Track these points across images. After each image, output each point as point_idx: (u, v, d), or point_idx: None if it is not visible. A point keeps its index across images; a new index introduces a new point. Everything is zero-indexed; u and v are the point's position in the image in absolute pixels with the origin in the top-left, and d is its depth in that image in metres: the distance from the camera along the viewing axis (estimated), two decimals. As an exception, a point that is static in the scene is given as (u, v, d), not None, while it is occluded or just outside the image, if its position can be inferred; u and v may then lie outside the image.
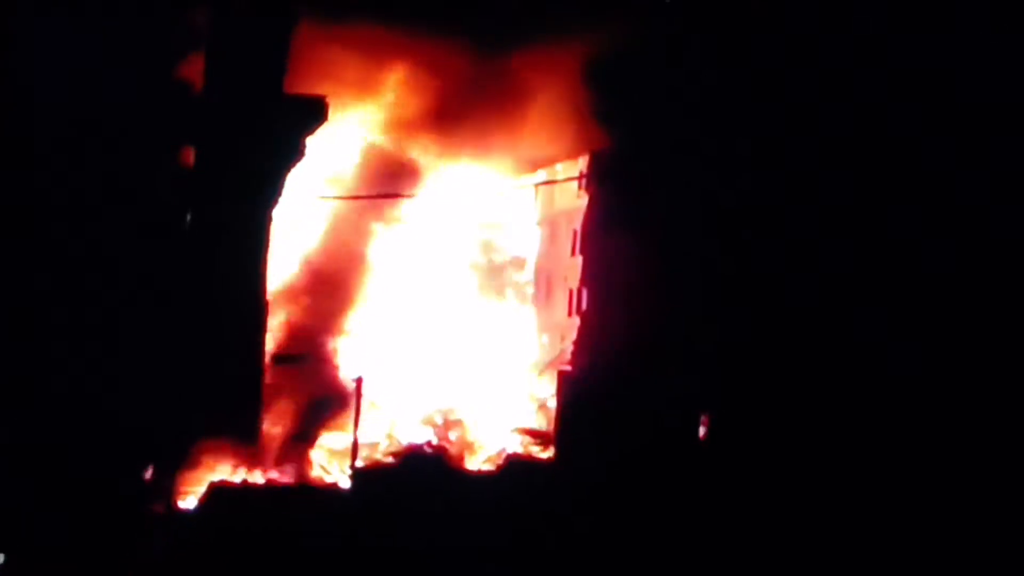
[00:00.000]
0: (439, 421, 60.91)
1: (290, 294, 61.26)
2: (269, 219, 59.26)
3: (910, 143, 55.63)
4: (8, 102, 55.88)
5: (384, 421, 60.04)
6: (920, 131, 55.46)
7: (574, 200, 62.10)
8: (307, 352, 59.58)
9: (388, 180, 61.37)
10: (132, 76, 56.49)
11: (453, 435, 60.50)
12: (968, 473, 54.04)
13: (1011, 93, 55.46)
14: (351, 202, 61.62)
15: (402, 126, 61.49)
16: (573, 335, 59.84)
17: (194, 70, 58.30)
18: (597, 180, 59.80)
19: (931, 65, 55.38)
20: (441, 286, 63.57)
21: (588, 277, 59.75)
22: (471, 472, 58.39)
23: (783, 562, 53.73)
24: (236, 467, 57.02)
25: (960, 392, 54.61)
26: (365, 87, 61.13)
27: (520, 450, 59.43)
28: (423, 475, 56.48)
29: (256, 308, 58.62)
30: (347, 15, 57.99)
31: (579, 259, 60.66)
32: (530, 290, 64.66)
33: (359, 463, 55.72)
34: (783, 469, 55.20)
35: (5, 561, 52.94)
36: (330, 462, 58.59)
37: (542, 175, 64.08)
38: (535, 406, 61.87)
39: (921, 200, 55.29)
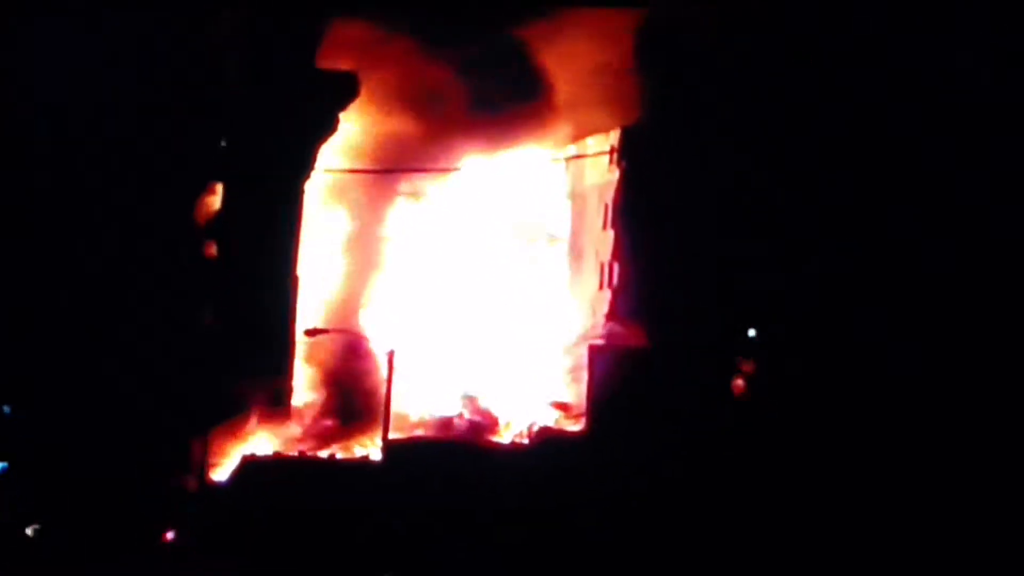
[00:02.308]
0: (471, 394, 60.78)
1: (323, 268, 61.30)
2: (302, 192, 59.56)
3: (910, 143, 55.84)
4: (49, 83, 56.47)
5: (416, 394, 59.95)
6: (920, 131, 55.75)
7: (605, 174, 61.90)
8: (338, 326, 59.56)
9: (420, 154, 61.31)
10: (167, 54, 56.94)
11: (484, 408, 60.40)
12: (969, 470, 54.39)
13: (1011, 93, 55.69)
14: (382, 177, 61.60)
15: (434, 100, 61.44)
16: (604, 308, 59.67)
17: (229, 48, 58.67)
18: (629, 154, 59.70)
19: (931, 65, 55.76)
20: (472, 260, 63.47)
21: (619, 250, 59.72)
22: (503, 445, 58.44)
23: (811, 538, 53.95)
24: (267, 439, 57.19)
25: (959, 389, 54.89)
26: (397, 60, 61.13)
27: (552, 423, 59.35)
28: (454, 448, 56.63)
29: (287, 281, 58.89)
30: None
31: (610, 233, 60.56)
32: (561, 263, 64.44)
33: (391, 435, 55.64)
34: (815, 443, 55.37)
35: (39, 530, 53.41)
36: (362, 435, 58.60)
37: (572, 149, 63.90)
38: (567, 379, 61.75)
39: (921, 200, 55.65)
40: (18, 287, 55.77)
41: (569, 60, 59.22)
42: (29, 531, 53.57)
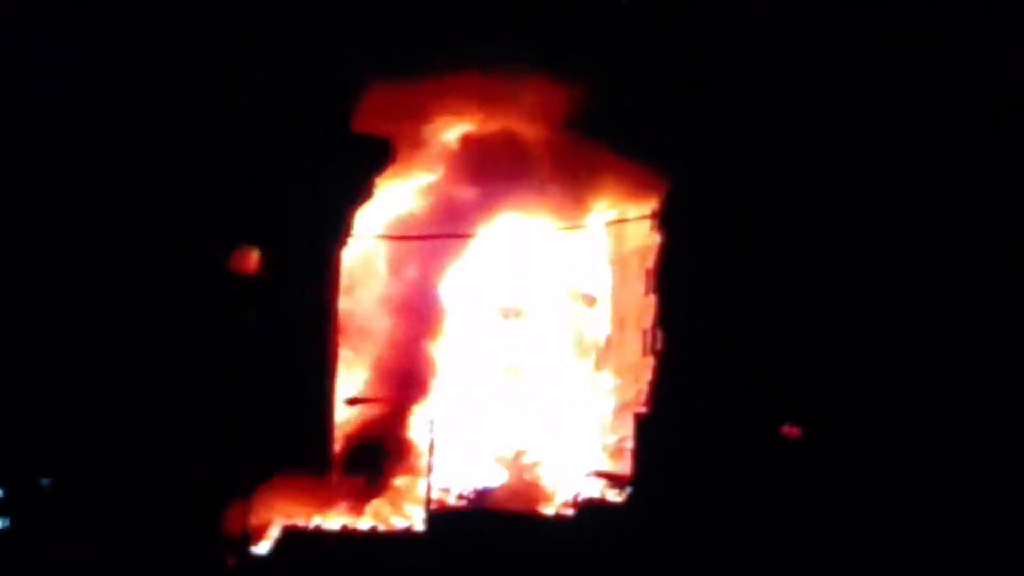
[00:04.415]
0: (514, 464, 59.95)
1: (362, 335, 60.60)
2: (338, 259, 58.97)
3: (910, 143, 55.51)
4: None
5: (458, 464, 59.12)
6: (920, 131, 55.48)
7: (646, 239, 61.30)
8: (379, 395, 58.80)
9: (459, 222, 60.75)
10: (200, 121, 56.64)
11: (528, 478, 59.55)
12: (969, 470, 54.11)
13: (1011, 93, 55.46)
14: (421, 244, 61.00)
15: (473, 170, 61.05)
16: (648, 375, 58.92)
17: (262, 112, 58.35)
18: (671, 219, 59.15)
19: (931, 65, 55.49)
20: (514, 328, 62.78)
21: (662, 316, 59.03)
22: (547, 516, 57.55)
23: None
24: (308, 510, 56.30)
25: (959, 389, 54.58)
26: (435, 130, 60.79)
27: (596, 494, 58.51)
28: (498, 518, 55.76)
29: (326, 348, 58.18)
30: (416, 69, 57.94)
31: (652, 298, 59.87)
32: (604, 330, 63.75)
33: (434, 506, 54.79)
34: (862, 510, 54.69)
35: None
36: (404, 506, 57.72)
37: (613, 214, 63.33)
38: (610, 449, 60.96)
39: (921, 200, 55.33)
40: (53, 347, 55.32)
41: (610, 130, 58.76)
42: None
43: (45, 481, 54.86)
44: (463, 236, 61.00)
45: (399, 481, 58.66)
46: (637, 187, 59.96)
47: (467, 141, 61.46)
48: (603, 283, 64.35)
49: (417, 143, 60.58)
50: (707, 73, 56.83)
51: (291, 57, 58.13)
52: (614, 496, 58.24)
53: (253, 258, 58.31)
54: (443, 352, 60.67)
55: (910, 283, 55.61)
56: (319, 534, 55.39)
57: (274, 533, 55.23)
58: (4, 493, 55.00)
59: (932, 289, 55.32)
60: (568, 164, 60.20)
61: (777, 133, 56.47)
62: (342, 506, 57.66)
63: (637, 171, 58.95)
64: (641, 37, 57.73)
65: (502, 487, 58.93)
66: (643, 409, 58.15)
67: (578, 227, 62.79)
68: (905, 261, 55.69)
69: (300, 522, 55.72)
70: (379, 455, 58.95)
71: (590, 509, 57.05)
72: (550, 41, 57.48)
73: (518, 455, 60.15)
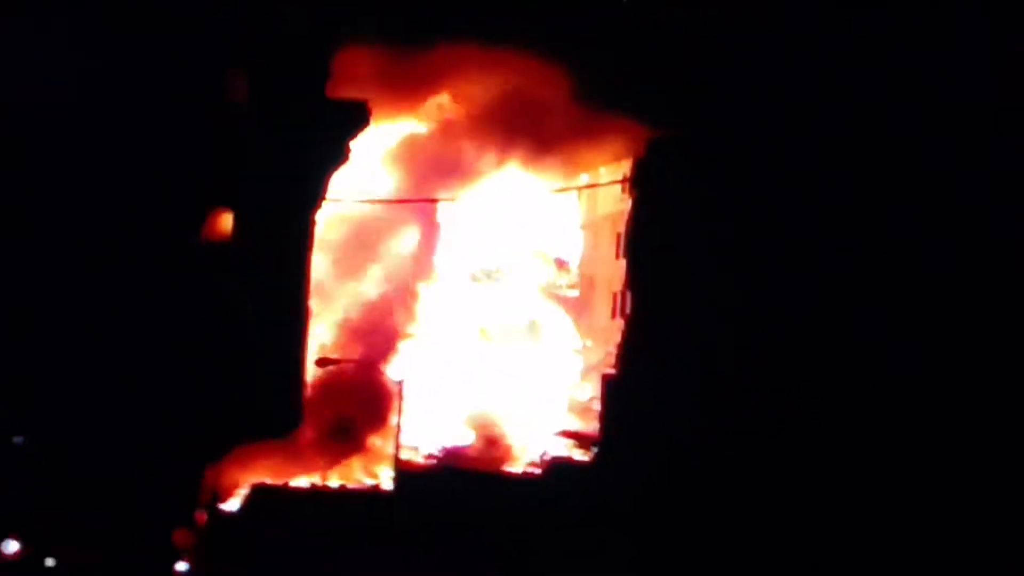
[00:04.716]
0: (481, 419, 60.45)
1: (333, 297, 61.08)
2: (312, 222, 59.29)
3: (910, 143, 55.74)
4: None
5: (427, 424, 59.64)
6: (920, 131, 55.60)
7: (618, 204, 61.79)
8: (349, 355, 59.27)
9: (433, 184, 61.15)
10: (176, 85, 56.84)
11: (495, 438, 60.08)
12: (969, 470, 54.18)
13: (1011, 93, 55.59)
14: (394, 205, 61.45)
15: (446, 132, 61.40)
16: (616, 338, 59.39)
17: (238, 77, 58.61)
18: (642, 183, 59.48)
19: (931, 65, 55.77)
20: (484, 289, 63.25)
21: (632, 280, 59.44)
22: (514, 475, 58.11)
23: (820, 553, 53.85)
24: (280, 469, 56.85)
25: (959, 389, 54.65)
26: (411, 94, 61.09)
27: (563, 453, 59.01)
28: (466, 477, 56.29)
29: (298, 310, 58.58)
30: (393, 32, 58.25)
31: (623, 263, 60.30)
32: (574, 293, 64.26)
33: (401, 466, 55.30)
34: (821, 472, 55.07)
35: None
36: (372, 465, 58.28)
37: (585, 179, 63.75)
38: (577, 409, 61.47)
39: (921, 200, 55.57)
40: (20, 304, 55.71)
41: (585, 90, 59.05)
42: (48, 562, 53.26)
43: (18, 439, 55.19)
44: (436, 200, 61.44)
45: (370, 441, 59.17)
46: (616, 148, 60.25)
47: (447, 104, 61.74)
48: (575, 247, 64.86)
49: (395, 106, 60.82)
50: (702, 62, 57.00)
51: (267, 20, 58.47)
52: (581, 455, 58.79)
53: (228, 222, 58.67)
54: (414, 313, 61.23)
55: (910, 283, 55.92)
56: (288, 492, 55.94)
57: (243, 491, 55.76)
58: None
59: (932, 289, 55.59)
60: (551, 124, 60.47)
61: (757, 106, 56.59)
62: (313, 465, 58.22)
63: (617, 129, 59.16)
64: (637, 30, 58.10)
65: (470, 446, 59.50)
66: (611, 371, 58.61)
67: (551, 192, 63.33)
68: (893, 247, 55.94)
69: (269, 480, 56.20)
70: (351, 416, 59.50)
71: (557, 468, 57.59)
72: (543, 24, 57.91)
73: (486, 415, 60.64)
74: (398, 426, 54.93)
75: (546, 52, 58.03)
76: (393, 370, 58.11)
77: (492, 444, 59.84)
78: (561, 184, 63.59)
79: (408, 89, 61.02)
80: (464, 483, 55.88)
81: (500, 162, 61.71)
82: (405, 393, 55.60)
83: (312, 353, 57.94)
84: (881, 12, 56.07)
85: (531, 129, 60.81)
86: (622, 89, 57.57)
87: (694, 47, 56.95)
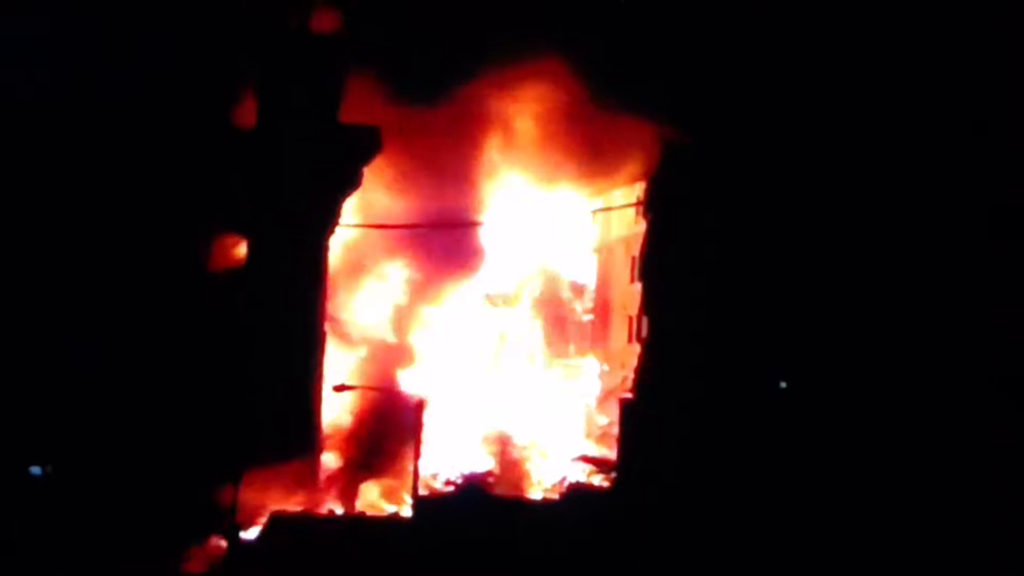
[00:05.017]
0: (500, 450, 60.26)
1: (350, 324, 60.99)
2: (325, 247, 59.20)
3: (910, 143, 55.80)
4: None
5: (445, 451, 59.44)
6: (920, 131, 55.71)
7: (632, 227, 61.68)
8: (366, 382, 59.11)
9: (448, 208, 60.99)
10: (187, 112, 56.92)
11: (514, 464, 59.87)
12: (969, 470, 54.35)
13: (1010, 93, 55.65)
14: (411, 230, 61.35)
15: (461, 156, 61.23)
16: (633, 362, 59.24)
17: (249, 103, 58.67)
18: (656, 205, 59.38)
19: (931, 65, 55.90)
20: (501, 315, 63.12)
21: (648, 304, 59.29)
22: (533, 501, 57.91)
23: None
24: (295, 496, 56.58)
25: (959, 389, 54.69)
26: (424, 120, 60.91)
27: (582, 479, 58.85)
28: (485, 505, 56.06)
29: (313, 335, 58.46)
30: (405, 56, 58.28)
31: (637, 286, 60.15)
32: (590, 317, 64.15)
33: (421, 492, 55.08)
34: (841, 495, 54.92)
35: None
36: (392, 491, 58.05)
37: (599, 202, 63.63)
38: (596, 434, 61.33)
39: (921, 200, 55.61)
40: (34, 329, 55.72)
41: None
42: None
43: (36, 470, 55.18)
44: (450, 226, 61.27)
45: (390, 467, 58.95)
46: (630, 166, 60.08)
47: (463, 124, 61.58)
48: (589, 271, 64.75)
49: (408, 131, 60.60)
50: (715, 69, 57.08)
51: (281, 49, 58.52)
52: (600, 481, 58.62)
53: (241, 248, 58.63)
54: (431, 339, 61.13)
55: (896, 273, 55.81)
56: (306, 519, 55.64)
57: (263, 519, 55.51)
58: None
59: (932, 289, 55.62)
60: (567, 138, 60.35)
61: (765, 123, 56.67)
62: (331, 492, 58.03)
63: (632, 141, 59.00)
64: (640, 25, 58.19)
65: (489, 472, 59.27)
66: (628, 395, 58.43)
67: (565, 215, 63.25)
68: (890, 250, 55.86)
69: (288, 508, 55.96)
70: (372, 441, 59.37)
71: (576, 494, 57.37)
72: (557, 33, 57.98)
73: (505, 441, 60.47)
74: (416, 452, 54.63)
75: (562, 59, 58.01)
76: (412, 395, 57.76)
77: (511, 470, 59.59)
78: (576, 207, 63.49)
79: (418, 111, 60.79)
80: (482, 509, 55.60)
81: (516, 181, 61.62)
82: (424, 419, 55.28)
83: (331, 378, 57.73)
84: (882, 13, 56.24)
85: (547, 144, 60.66)
86: (635, 92, 57.44)
87: (707, 54, 57.00)
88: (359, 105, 58.53)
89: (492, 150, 60.90)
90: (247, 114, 58.49)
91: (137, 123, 57.14)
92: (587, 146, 59.62)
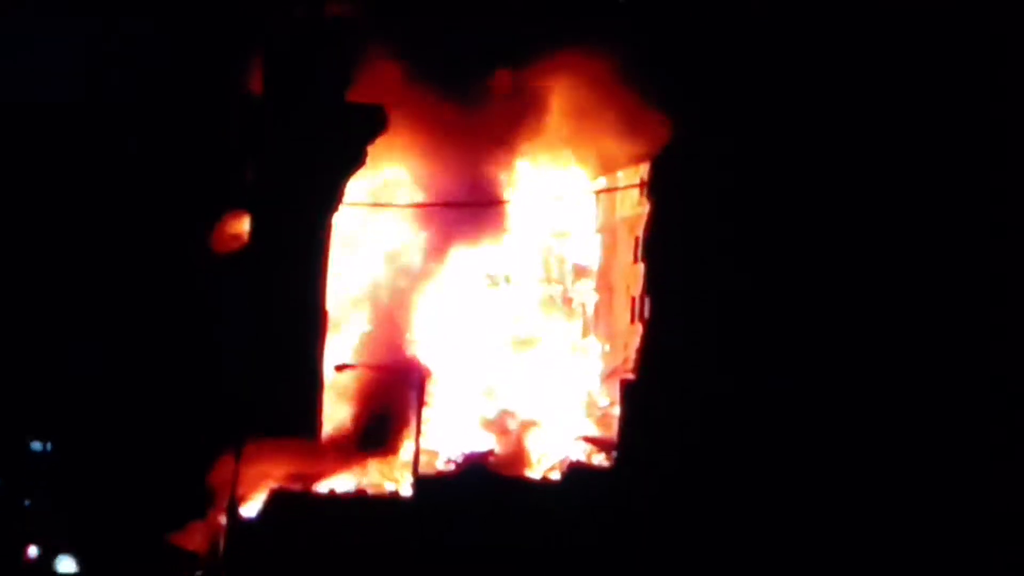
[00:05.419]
0: (501, 429, 60.31)
1: (353, 302, 61.01)
2: (329, 225, 59.30)
3: (910, 143, 55.80)
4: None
5: (447, 429, 59.52)
6: (920, 131, 55.80)
7: (635, 207, 61.62)
8: (368, 360, 59.16)
9: (452, 188, 61.01)
10: (193, 86, 57.01)
11: (515, 443, 59.92)
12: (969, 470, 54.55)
13: (1011, 93, 55.70)
14: (414, 210, 61.40)
15: (466, 136, 61.23)
16: (635, 342, 59.27)
17: (255, 78, 58.77)
18: (659, 186, 59.39)
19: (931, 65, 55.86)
20: (503, 294, 63.12)
21: (650, 284, 59.31)
22: (533, 480, 57.99)
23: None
24: (296, 474, 56.70)
25: (958, 389, 54.91)
26: (428, 100, 60.90)
27: (583, 458, 58.92)
28: (485, 484, 56.17)
29: (315, 314, 58.60)
30: (414, 39, 58.30)
31: (641, 266, 60.16)
32: (592, 297, 64.12)
33: (422, 471, 55.19)
34: (842, 475, 55.12)
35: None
36: (392, 469, 58.15)
37: (602, 182, 63.59)
38: (597, 414, 61.35)
39: (921, 195, 55.67)
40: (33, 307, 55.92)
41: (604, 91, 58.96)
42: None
43: (37, 445, 55.39)
44: (453, 205, 61.29)
45: (391, 445, 59.04)
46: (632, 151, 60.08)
47: (472, 104, 61.57)
48: (593, 251, 64.72)
49: (416, 111, 60.63)
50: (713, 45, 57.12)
51: (290, 30, 58.61)
52: (601, 461, 58.67)
53: (245, 225, 58.76)
54: (433, 319, 61.16)
55: (896, 264, 56.06)
56: (307, 497, 55.83)
57: (263, 496, 55.68)
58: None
59: (932, 290, 55.81)
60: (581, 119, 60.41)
61: (770, 110, 56.95)
62: (334, 469, 58.12)
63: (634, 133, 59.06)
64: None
65: (490, 452, 59.32)
66: (630, 375, 58.47)
67: (572, 195, 63.29)
68: (890, 244, 56.13)
69: (288, 485, 56.10)
70: (375, 420, 59.45)
71: (577, 473, 57.43)
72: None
73: (506, 420, 60.51)
74: (417, 431, 54.70)
75: (583, 45, 58.00)
76: (413, 375, 57.79)
77: (512, 449, 59.64)
78: (580, 187, 63.50)
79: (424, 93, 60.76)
80: (483, 488, 55.72)
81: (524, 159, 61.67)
82: (425, 398, 55.37)
83: (333, 358, 57.82)
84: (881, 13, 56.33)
85: (558, 125, 60.73)
86: (647, 78, 57.54)
87: (713, 42, 57.02)
88: (375, 85, 58.59)
89: (503, 131, 60.77)
90: (254, 91, 58.62)
91: (141, 109, 57.26)
92: (596, 128, 59.68)
